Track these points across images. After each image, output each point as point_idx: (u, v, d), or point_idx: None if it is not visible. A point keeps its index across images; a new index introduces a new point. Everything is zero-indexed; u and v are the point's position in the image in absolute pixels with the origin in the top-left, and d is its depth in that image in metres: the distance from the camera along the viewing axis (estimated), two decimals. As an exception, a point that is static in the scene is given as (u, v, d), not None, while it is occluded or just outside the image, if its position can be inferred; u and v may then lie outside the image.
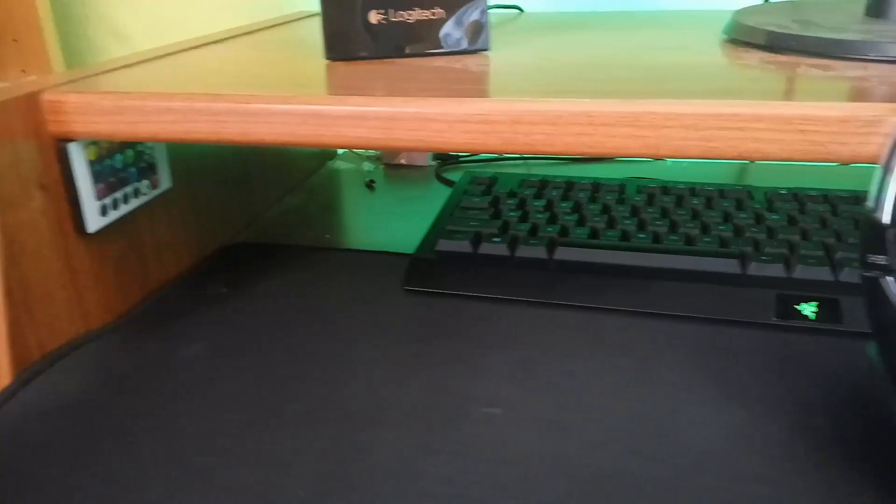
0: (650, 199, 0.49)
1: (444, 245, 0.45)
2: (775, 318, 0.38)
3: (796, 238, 0.42)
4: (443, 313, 0.41)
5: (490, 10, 0.64)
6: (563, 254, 0.43)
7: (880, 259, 0.26)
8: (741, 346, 0.37)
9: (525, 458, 0.30)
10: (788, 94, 0.30)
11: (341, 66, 0.40)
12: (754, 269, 0.40)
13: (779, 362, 0.35)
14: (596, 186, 0.51)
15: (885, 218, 0.26)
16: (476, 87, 0.34)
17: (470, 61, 0.40)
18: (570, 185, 0.52)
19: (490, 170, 0.63)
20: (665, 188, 0.50)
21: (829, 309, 0.37)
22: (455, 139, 0.31)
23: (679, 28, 0.48)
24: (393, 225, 0.54)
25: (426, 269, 0.44)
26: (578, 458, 0.30)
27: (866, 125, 0.28)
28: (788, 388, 0.34)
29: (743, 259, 0.41)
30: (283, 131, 0.33)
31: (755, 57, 0.38)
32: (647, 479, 0.29)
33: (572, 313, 0.40)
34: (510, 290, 0.42)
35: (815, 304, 0.38)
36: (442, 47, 0.41)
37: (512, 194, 0.51)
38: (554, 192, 0.50)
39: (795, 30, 0.39)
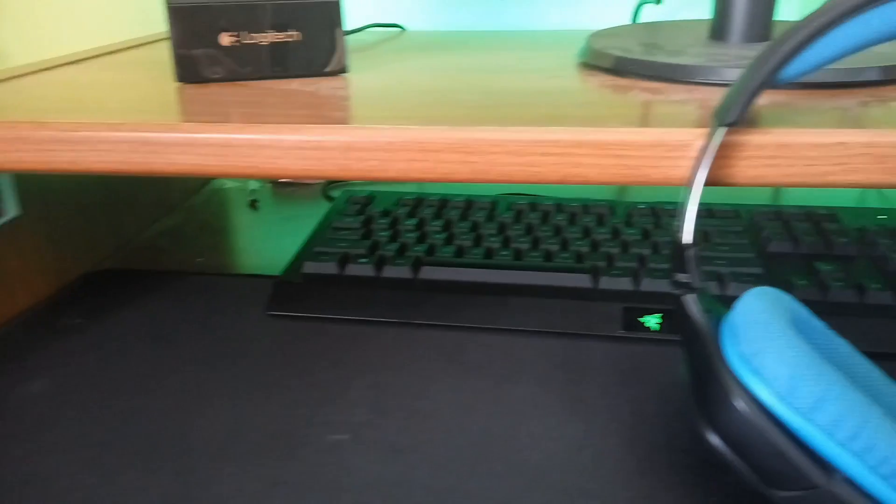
0: (518, 216, 0.50)
1: (310, 267, 0.44)
2: (622, 331, 0.39)
3: (647, 251, 0.44)
4: (304, 338, 0.41)
5: (370, 29, 0.65)
6: (428, 273, 0.44)
7: (683, 277, 0.27)
8: (589, 359, 0.38)
9: (367, 485, 0.30)
10: (609, 120, 0.31)
11: (191, 90, 0.39)
12: (605, 283, 0.42)
13: (622, 374, 0.37)
14: (468, 203, 0.52)
15: (686, 237, 0.27)
16: (318, 112, 0.34)
17: (324, 84, 0.40)
18: (443, 202, 0.52)
19: (372, 188, 0.63)
20: (533, 204, 0.51)
21: (671, 320, 0.39)
22: (290, 166, 0.31)
23: (547, 50, 0.49)
24: (272, 246, 0.54)
25: (291, 292, 0.43)
26: (420, 480, 0.31)
27: (674, 149, 0.29)
28: (628, 399, 0.35)
29: (595, 273, 0.42)
30: (112, 159, 0.32)
31: (597, 81, 0.39)
32: (482, 497, 0.29)
33: (433, 333, 0.41)
34: (375, 311, 0.42)
35: (658, 315, 0.39)
36: (297, 70, 0.41)
37: (385, 213, 0.51)
38: (427, 211, 0.51)
39: (637, 54, 0.41)
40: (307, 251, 0.46)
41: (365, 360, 0.39)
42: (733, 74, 0.38)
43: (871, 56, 0.38)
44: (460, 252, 0.46)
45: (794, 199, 0.59)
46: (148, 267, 0.50)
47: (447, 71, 0.43)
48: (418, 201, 0.53)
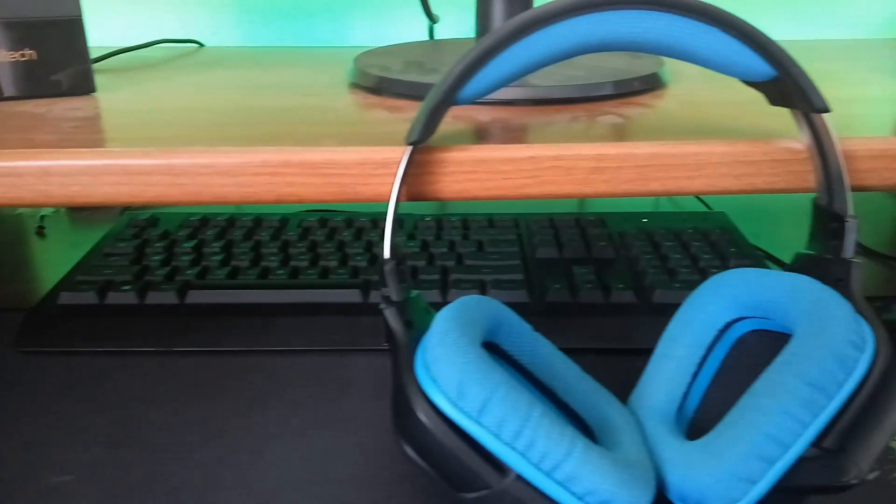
0: (304, 234, 0.49)
1: (66, 297, 0.42)
2: (386, 344, 0.40)
3: (422, 263, 0.45)
4: (51, 373, 0.38)
5: (164, 44, 0.62)
6: (195, 297, 0.42)
7: (384, 291, 0.28)
8: (351, 374, 0.38)
9: (84, 527, 0.29)
10: (329, 139, 0.31)
11: None
12: (374, 296, 0.42)
13: (380, 387, 0.37)
14: (257, 221, 0.51)
15: (386, 253, 0.28)
16: (26, 136, 0.32)
17: (59, 106, 0.38)
18: (231, 222, 0.51)
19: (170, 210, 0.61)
20: (323, 220, 0.51)
21: (432, 330, 0.40)
22: (-18, 194, 0.29)
23: (333, 67, 0.49)
24: (51, 276, 0.50)
25: (44, 325, 0.41)
26: (144, 516, 0.29)
27: (380, 166, 0.30)
28: (381, 411, 0.36)
29: (365, 288, 0.43)
30: None
31: (351, 99, 0.40)
32: (204, 528, 0.29)
33: (195, 359, 0.40)
34: (134, 341, 0.40)
35: (418, 327, 0.40)
36: (36, 91, 0.39)
37: (164, 236, 0.49)
38: (209, 232, 0.50)
39: (392, 73, 0.42)
40: (66, 280, 0.44)
41: (114, 393, 0.37)
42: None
43: (606, 72, 0.41)
44: (235, 273, 0.45)
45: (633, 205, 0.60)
46: None
47: (210, 89, 0.42)
48: (203, 221, 0.51)
